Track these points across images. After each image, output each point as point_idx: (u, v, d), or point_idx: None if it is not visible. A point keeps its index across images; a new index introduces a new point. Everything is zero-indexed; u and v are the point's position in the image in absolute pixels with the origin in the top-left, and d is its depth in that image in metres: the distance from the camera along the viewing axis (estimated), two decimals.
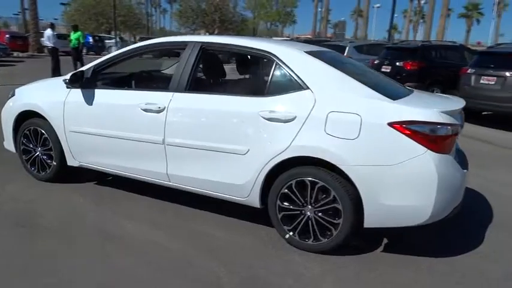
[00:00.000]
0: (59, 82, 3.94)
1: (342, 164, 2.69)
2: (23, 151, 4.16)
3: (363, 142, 2.66)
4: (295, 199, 2.93)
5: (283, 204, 2.97)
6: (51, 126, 3.86)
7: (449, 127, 2.65)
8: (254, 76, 3.86)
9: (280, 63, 3.00)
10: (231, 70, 4.27)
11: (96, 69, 3.67)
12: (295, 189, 2.90)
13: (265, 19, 35.11)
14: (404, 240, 3.21)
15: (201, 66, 3.44)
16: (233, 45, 3.27)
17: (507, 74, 7.92)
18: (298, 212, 2.95)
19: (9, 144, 4.30)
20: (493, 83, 8.13)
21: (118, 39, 32.00)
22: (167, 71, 4.81)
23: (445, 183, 2.62)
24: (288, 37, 30.65)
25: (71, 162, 3.90)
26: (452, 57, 10.87)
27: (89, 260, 2.73)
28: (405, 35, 48.62)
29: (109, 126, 3.52)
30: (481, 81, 8.36)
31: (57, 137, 3.85)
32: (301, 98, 2.86)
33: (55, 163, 3.97)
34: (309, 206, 2.91)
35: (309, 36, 41.80)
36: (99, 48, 30.02)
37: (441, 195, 2.62)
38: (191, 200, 3.66)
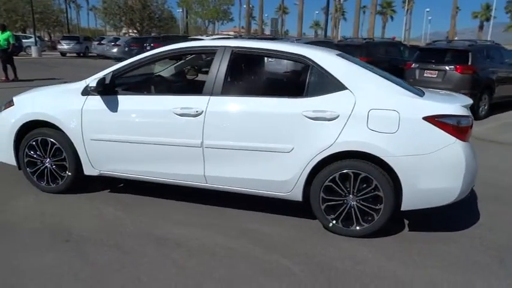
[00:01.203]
0: (69, 89, 3.79)
1: (386, 155, 3.03)
2: (27, 163, 3.91)
3: (402, 135, 3.02)
4: (339, 190, 3.21)
5: (326, 196, 3.24)
6: (66, 136, 3.70)
7: (469, 119, 3.12)
8: (289, 78, 4.05)
9: (317, 66, 3.25)
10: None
11: (116, 74, 3.61)
12: (338, 181, 3.18)
13: (203, 17, 34.75)
14: (421, 219, 3.65)
15: (233, 69, 3.55)
16: (266, 49, 3.44)
17: (447, 68, 8.98)
18: (341, 201, 3.23)
19: (4, 157, 4.01)
20: (435, 76, 9.15)
21: (37, 39, 29.58)
22: (162, 74, 4.79)
23: (469, 166, 3.08)
24: (230, 35, 30.57)
25: (88, 171, 3.77)
26: (392, 53, 11.95)
27: (163, 268, 2.76)
28: (331, 32, 51.36)
29: (139, 132, 3.50)
30: (425, 75, 9.36)
31: (73, 147, 3.70)
32: (342, 97, 3.14)
33: (69, 173, 3.81)
34: (351, 196, 3.21)
35: (231, 33, 42.08)
36: (15, 48, 27.48)
37: (466, 177, 3.07)
38: (220, 200, 3.77)
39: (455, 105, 3.11)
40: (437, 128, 3.01)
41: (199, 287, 2.57)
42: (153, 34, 33.27)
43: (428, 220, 3.63)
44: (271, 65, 3.98)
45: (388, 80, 3.26)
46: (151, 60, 3.65)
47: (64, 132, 3.70)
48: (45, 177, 3.90)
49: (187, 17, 27.92)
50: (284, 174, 3.26)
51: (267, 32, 53.64)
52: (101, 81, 3.47)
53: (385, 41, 12.56)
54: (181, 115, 3.37)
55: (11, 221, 3.32)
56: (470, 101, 3.33)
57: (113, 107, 3.54)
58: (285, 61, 3.71)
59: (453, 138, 3.01)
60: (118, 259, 2.83)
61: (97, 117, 3.59)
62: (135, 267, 2.75)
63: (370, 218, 3.21)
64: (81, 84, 3.71)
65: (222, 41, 3.64)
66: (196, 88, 3.50)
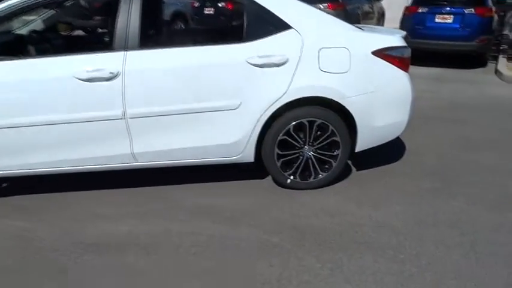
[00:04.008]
0: None
1: (341, 97, 2.80)
2: None
3: (354, 74, 2.81)
4: (294, 142, 2.91)
5: (281, 151, 2.91)
6: None
7: (409, 49, 3.06)
8: (222, 21, 3.37)
9: (254, 5, 2.74)
10: None
11: None
12: (293, 133, 2.87)
13: None
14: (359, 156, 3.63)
15: (150, 15, 2.79)
16: None
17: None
18: (297, 154, 2.95)
19: None
20: None
21: None
22: (34, 30, 3.63)
23: (413, 97, 3.07)
24: None
25: None
26: None
27: (118, 279, 2.12)
28: None
29: (28, 111, 2.58)
30: None
31: None
32: (288, 38, 2.74)
33: None
34: (307, 146, 2.95)
35: None
36: None
37: (411, 107, 3.08)
38: (146, 179, 3.15)
39: (397, 37, 3.02)
40: (386, 62, 2.88)
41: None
42: None
43: (365, 156, 3.64)
44: (198, 6, 3.29)
45: (328, 14, 2.97)
46: (19, 10, 2.62)
47: None
48: None
49: None
50: (233, 135, 2.80)
51: None
52: None
53: None
54: (89, 80, 2.55)
55: None
56: (403, 32, 3.27)
57: None
58: (215, 1, 3.04)
59: (400, 71, 2.94)
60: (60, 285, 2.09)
61: None
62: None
63: (327, 166, 3.02)
64: None
65: None
66: (99, 43, 2.68)
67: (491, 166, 3.49)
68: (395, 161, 3.59)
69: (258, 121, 2.77)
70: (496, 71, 7.49)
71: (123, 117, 2.64)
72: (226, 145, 2.82)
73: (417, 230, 2.55)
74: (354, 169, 3.42)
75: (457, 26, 7.47)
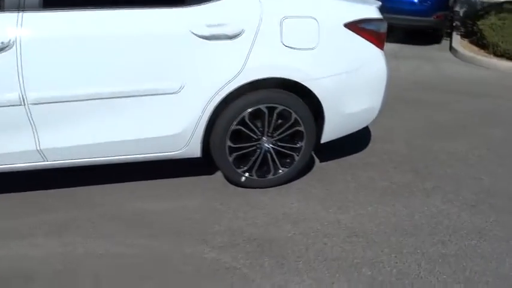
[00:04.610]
0: None
1: (307, 79, 2.30)
2: None
3: (323, 50, 2.31)
4: (250, 133, 2.38)
5: (234, 144, 2.38)
6: None
7: (386, 24, 2.60)
8: None
9: None
10: None
11: None
12: (248, 122, 2.35)
13: None
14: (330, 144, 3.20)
15: None
16: None
17: None
18: (254, 147, 2.44)
19: None
20: None
21: None
22: None
23: (388, 80, 2.64)
24: None
25: None
26: None
27: None
28: None
29: None
30: None
31: None
32: (243, 2, 2.17)
33: None
34: (265, 138, 2.44)
35: None
36: None
37: (386, 91, 2.65)
38: (56, 179, 2.50)
39: (372, 7, 2.53)
40: (360, 37, 2.40)
41: None
42: None
43: (328, 145, 3.21)
44: None
45: None
46: None
47: None
48: None
49: None
50: (173, 125, 2.23)
51: None
52: None
53: None
54: None
55: None
56: (379, 2, 2.79)
57: None
58: None
59: (375, 48, 2.48)
60: None
61: None
62: None
63: (288, 161, 2.54)
64: None
65: None
66: None
67: (462, 155, 3.21)
68: (362, 150, 3.20)
69: (205, 108, 2.21)
70: (451, 48, 7.36)
71: (22, 103, 1.97)
72: (165, 137, 2.25)
73: (394, 239, 2.17)
74: (317, 160, 2.98)
75: (416, 0, 7.18)
